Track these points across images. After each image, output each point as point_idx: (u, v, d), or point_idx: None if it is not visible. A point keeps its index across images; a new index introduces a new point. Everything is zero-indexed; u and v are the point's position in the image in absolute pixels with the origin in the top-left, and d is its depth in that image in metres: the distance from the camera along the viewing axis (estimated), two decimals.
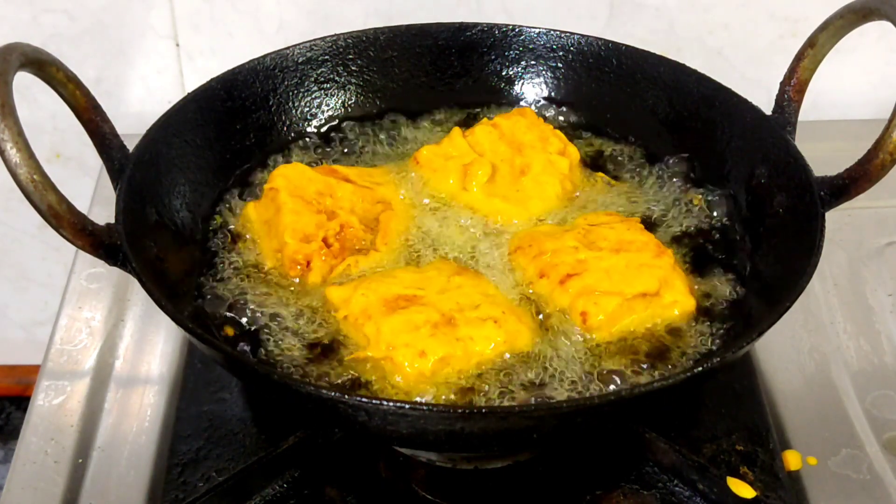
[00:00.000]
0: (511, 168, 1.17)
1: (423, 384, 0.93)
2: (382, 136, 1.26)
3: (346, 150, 1.24)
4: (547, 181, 1.15)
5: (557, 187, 1.15)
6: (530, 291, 1.04)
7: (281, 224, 1.06)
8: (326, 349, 0.98)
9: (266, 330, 1.00)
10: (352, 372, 0.95)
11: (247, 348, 0.98)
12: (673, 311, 1.00)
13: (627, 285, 1.00)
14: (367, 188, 1.13)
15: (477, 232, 1.11)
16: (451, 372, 0.94)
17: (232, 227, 1.12)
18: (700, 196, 1.14)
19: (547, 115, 1.28)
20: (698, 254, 1.10)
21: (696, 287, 1.05)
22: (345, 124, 1.27)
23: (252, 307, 1.02)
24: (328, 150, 1.24)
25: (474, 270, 1.06)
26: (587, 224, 1.08)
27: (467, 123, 1.27)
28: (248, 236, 1.11)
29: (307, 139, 1.25)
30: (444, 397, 0.93)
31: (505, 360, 0.96)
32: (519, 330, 0.97)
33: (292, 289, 1.04)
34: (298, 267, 1.04)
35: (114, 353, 1.17)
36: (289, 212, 1.07)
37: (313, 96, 1.26)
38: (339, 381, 0.94)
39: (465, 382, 0.94)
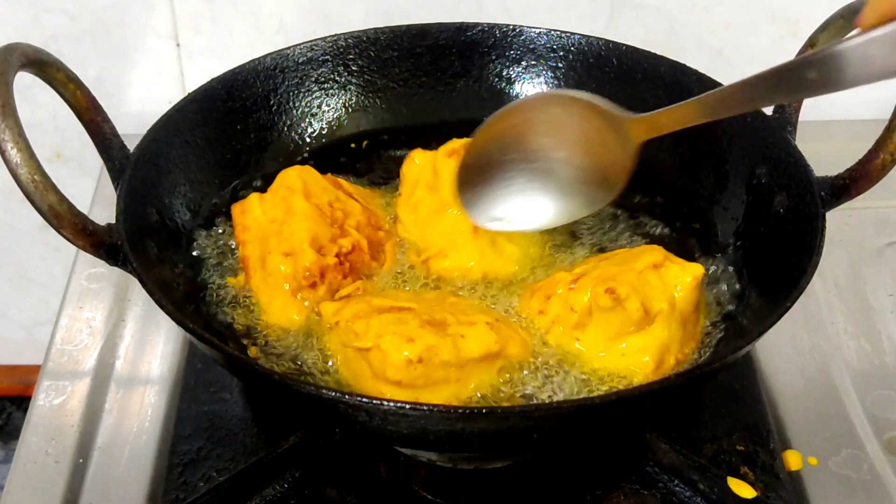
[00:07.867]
0: None
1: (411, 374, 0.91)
2: (382, 151, 1.26)
3: (347, 154, 1.25)
4: None
5: None
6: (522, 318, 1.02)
7: (297, 228, 1.02)
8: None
9: (266, 329, 1.00)
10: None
11: (247, 348, 0.99)
12: (686, 279, 0.97)
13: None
14: (372, 211, 1.11)
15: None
16: (440, 363, 0.92)
17: (233, 227, 1.12)
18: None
19: None
20: (699, 256, 1.11)
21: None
22: (347, 128, 1.27)
23: (253, 306, 1.02)
24: (330, 151, 1.24)
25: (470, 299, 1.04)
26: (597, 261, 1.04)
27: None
28: (249, 231, 1.06)
29: (307, 140, 1.25)
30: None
31: (500, 361, 0.96)
32: (511, 336, 0.96)
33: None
34: (308, 273, 1.00)
35: (114, 353, 1.17)
36: (306, 217, 1.03)
37: (314, 96, 1.26)
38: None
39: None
